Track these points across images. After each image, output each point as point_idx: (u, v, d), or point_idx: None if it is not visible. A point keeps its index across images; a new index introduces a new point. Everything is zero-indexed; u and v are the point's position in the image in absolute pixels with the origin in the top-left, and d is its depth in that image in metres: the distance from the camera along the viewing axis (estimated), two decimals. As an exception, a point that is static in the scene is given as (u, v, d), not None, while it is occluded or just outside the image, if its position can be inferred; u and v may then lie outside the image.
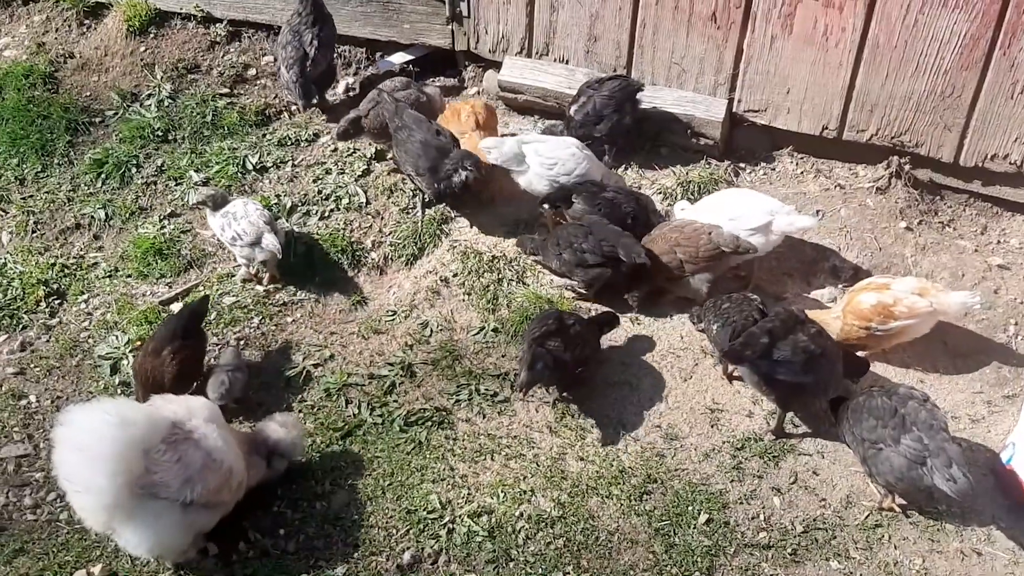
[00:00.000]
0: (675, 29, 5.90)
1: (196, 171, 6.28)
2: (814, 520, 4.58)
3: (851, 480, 4.73)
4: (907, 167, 5.78)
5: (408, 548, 4.50)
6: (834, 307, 5.19)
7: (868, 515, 4.59)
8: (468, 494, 4.69)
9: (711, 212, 5.39)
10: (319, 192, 6.11)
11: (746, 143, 6.04)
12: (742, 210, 5.31)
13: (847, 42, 5.55)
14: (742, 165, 6.05)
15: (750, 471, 4.77)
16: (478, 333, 5.40)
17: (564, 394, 5.09)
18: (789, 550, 4.47)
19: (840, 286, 5.44)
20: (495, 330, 5.39)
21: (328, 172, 6.22)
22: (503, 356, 5.30)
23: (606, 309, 5.37)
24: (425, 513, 4.61)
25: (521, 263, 5.66)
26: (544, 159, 5.57)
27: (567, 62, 6.31)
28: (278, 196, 6.09)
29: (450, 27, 6.55)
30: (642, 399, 5.09)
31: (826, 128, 5.86)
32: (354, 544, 4.53)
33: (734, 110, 6.01)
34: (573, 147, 5.65)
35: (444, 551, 4.49)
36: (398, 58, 6.87)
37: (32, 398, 5.20)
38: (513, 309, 5.45)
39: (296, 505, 4.67)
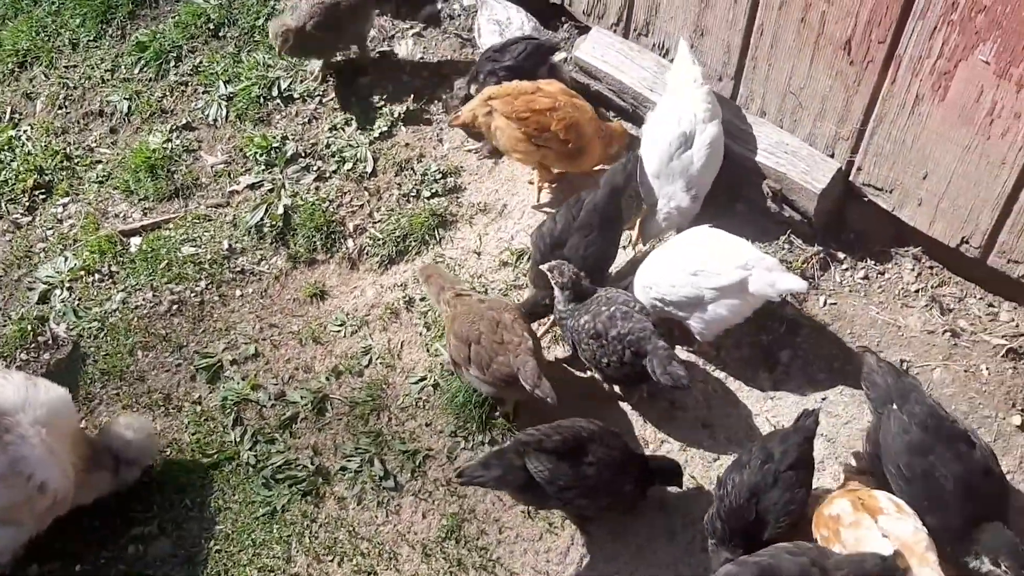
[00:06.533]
0: (798, 48, 4.19)
1: (226, 83, 5.44)
2: None
3: None
4: (1066, 329, 3.91)
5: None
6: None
7: None
8: (286, 605, 3.81)
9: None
10: (327, 146, 5.09)
11: (862, 225, 4.33)
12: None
13: (1021, 134, 3.68)
14: (840, 256, 4.36)
15: None
16: (416, 382, 4.35)
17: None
18: None
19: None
20: (435, 385, 4.32)
21: (348, 123, 5.17)
22: (427, 425, 4.24)
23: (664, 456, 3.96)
24: (227, 610, 3.81)
25: (499, 309, 4.45)
26: None
27: (666, 53, 4.75)
28: (284, 138, 5.14)
29: (548, -29, 5.11)
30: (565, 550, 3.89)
31: (966, 242, 4.05)
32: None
33: (851, 178, 4.29)
34: None
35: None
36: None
37: (-39, 306, 4.81)
38: (466, 366, 4.31)
39: (107, 540, 3.99)
